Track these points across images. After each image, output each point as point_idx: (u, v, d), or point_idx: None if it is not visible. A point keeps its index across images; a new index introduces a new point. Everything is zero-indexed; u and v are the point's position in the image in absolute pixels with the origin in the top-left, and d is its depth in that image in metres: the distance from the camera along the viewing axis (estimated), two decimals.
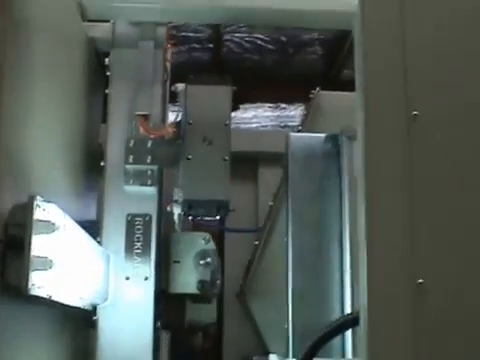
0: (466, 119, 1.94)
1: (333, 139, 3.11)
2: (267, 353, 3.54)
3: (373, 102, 1.96)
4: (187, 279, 3.21)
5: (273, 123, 7.45)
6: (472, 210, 1.89)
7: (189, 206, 3.06)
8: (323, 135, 3.14)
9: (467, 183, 1.91)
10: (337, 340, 2.78)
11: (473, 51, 1.97)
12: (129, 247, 3.07)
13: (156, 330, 3.08)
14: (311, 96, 3.73)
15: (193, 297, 3.36)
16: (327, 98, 3.72)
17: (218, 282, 3.24)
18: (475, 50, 1.97)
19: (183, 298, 3.42)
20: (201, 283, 3.20)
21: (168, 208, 3.22)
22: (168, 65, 3.35)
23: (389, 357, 1.82)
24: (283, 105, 7.12)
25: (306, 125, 3.70)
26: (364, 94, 1.97)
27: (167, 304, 3.30)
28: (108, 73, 3.25)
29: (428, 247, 1.86)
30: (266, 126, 7.45)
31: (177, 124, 3.15)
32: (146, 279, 3.05)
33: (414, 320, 1.83)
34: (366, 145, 1.93)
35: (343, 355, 2.93)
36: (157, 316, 3.09)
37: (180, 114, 3.24)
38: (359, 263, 1.91)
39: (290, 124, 7.42)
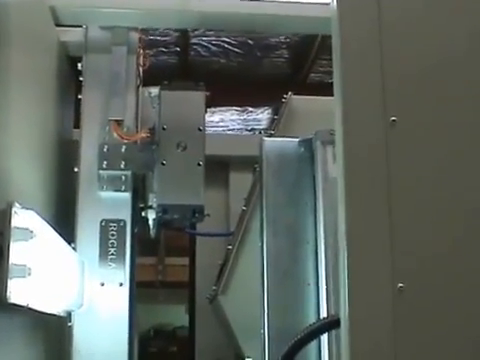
0: (444, 125, 1.96)
1: (306, 143, 3.11)
2: (242, 358, 3.55)
3: (351, 108, 1.97)
4: None
5: (240, 126, 7.47)
6: (451, 214, 1.91)
7: (164, 211, 3.05)
8: (296, 139, 3.14)
9: (445, 188, 1.94)
10: (313, 345, 2.79)
11: (452, 57, 1.99)
12: (103, 253, 3.05)
13: (131, 336, 3.07)
14: (283, 100, 3.74)
15: None
16: (300, 102, 3.73)
17: None
18: (454, 56, 1.99)
19: None
20: None
21: (143, 213, 3.21)
22: (141, 70, 3.34)
23: None
24: (250, 108, 7.15)
25: (278, 129, 3.69)
26: (342, 100, 1.97)
27: None
28: (81, 78, 3.24)
29: (408, 251, 1.87)
30: (233, 129, 7.48)
31: (151, 129, 3.15)
32: (121, 285, 3.03)
33: (395, 324, 1.84)
34: (345, 152, 1.94)
35: None
36: (132, 322, 3.08)
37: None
38: (339, 267, 1.92)
39: (256, 127, 7.45)
